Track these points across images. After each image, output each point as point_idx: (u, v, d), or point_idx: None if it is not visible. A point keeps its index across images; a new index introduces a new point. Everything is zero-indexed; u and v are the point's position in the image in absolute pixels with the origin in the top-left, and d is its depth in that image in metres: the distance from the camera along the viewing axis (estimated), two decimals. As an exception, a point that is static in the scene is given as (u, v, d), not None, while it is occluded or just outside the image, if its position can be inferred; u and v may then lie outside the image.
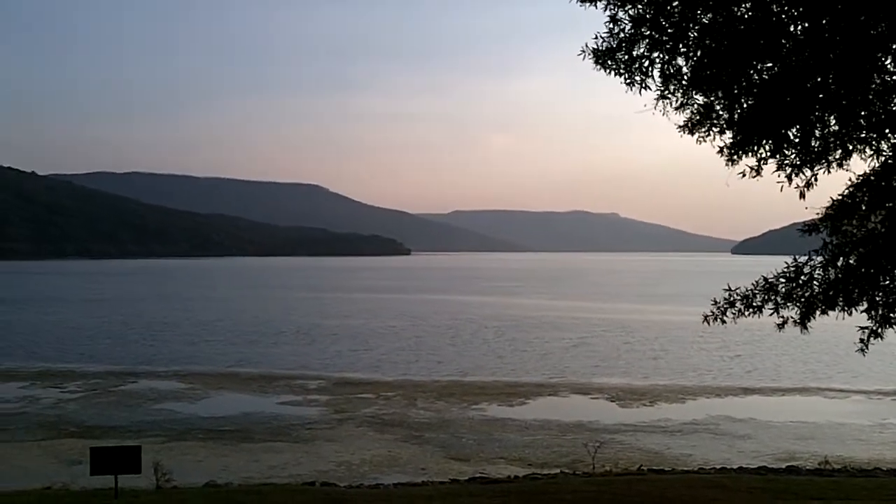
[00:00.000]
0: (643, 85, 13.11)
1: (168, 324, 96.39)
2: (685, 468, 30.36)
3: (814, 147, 12.83)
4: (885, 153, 12.56)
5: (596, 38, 13.01)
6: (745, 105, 12.86)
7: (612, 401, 47.99)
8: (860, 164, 12.90)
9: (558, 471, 30.06)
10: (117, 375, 57.32)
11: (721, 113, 13.22)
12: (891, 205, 12.81)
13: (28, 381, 54.83)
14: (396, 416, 42.77)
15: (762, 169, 13.05)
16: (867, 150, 12.68)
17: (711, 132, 13.44)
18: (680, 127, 13.57)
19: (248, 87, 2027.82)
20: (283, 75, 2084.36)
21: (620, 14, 12.84)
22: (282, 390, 51.22)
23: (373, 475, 30.43)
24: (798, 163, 12.91)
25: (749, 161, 13.10)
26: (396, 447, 35.57)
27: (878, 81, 12.08)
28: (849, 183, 13.12)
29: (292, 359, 66.52)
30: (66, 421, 41.70)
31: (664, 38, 12.73)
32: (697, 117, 13.41)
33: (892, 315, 13.29)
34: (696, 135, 13.51)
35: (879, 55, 11.87)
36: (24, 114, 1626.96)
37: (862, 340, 13.59)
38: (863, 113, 12.31)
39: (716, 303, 14.36)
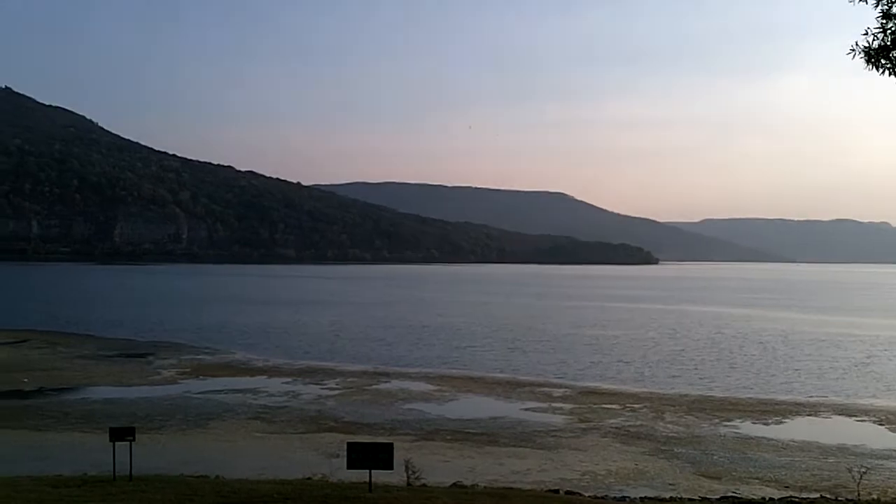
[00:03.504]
0: (920, 84, 11.95)
1: (424, 327, 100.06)
2: (968, 503, 27.37)
3: None
4: None
5: (866, 34, 12.06)
6: None
7: (880, 424, 44.31)
8: None
9: (818, 495, 28.18)
10: (371, 375, 60.21)
11: None
12: None
13: (292, 377, 58.84)
14: (643, 428, 41.80)
15: None
16: None
17: None
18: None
19: (494, 96, 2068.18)
20: (529, 83, 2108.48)
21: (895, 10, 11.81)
22: (527, 396, 51.57)
23: (618, 487, 29.87)
24: None
25: None
26: (643, 460, 34.72)
27: None
28: None
29: (540, 366, 66.80)
30: (325, 416, 44.25)
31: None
32: None
33: None
34: None
35: None
36: (290, 127, 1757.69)
37: None
38: None
39: None
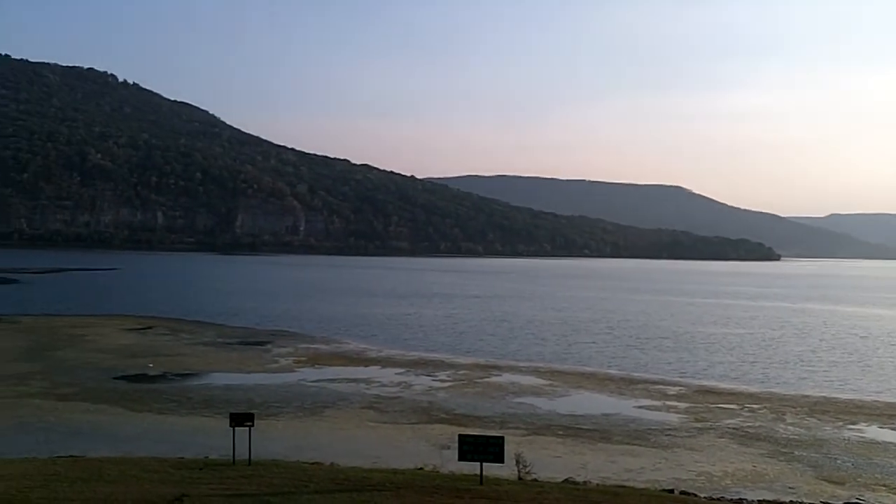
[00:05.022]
0: None
1: (537, 322, 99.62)
2: None
3: None
4: None
5: None
6: None
7: None
8: None
9: (953, 506, 26.76)
10: (483, 367, 60.32)
11: None
12: None
13: (404, 368, 59.53)
14: (762, 429, 40.54)
15: None
16: None
17: None
18: None
19: (610, 88, 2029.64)
20: (646, 75, 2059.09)
21: None
22: (640, 394, 50.73)
23: (735, 489, 29.06)
24: None
25: None
26: (762, 462, 33.67)
27: None
28: None
29: (656, 364, 65.64)
30: (437, 407, 44.58)
31: None
32: None
33: None
34: None
35: None
36: (404, 121, 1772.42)
37: None
38: None
39: None
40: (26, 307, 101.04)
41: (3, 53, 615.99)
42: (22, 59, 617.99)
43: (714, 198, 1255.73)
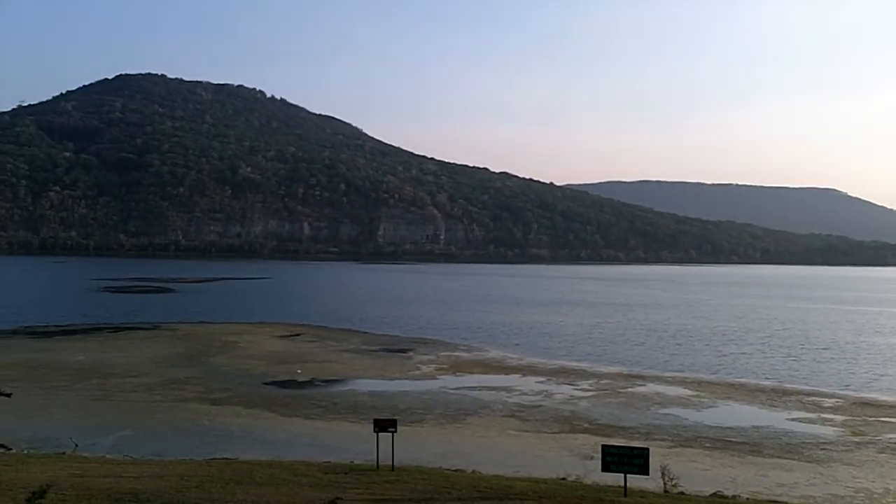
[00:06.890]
0: None
1: (686, 331, 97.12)
2: None
3: None
4: None
5: None
6: None
7: None
8: None
9: None
10: (626, 377, 59.26)
11: None
12: None
13: (545, 376, 59.14)
14: (927, 445, 38.15)
15: None
16: None
17: None
18: None
19: (756, 89, 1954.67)
20: (793, 74, 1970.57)
21: None
22: (793, 406, 48.67)
23: (898, 508, 27.48)
24: None
25: None
26: (927, 480, 31.68)
27: None
28: None
29: (812, 375, 62.75)
30: (579, 417, 44.09)
31: None
32: None
33: None
34: None
35: None
36: (544, 127, 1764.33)
37: None
38: None
39: None
40: (183, 315, 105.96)
41: (159, 73, 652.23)
42: (177, 79, 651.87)
43: (872, 200, 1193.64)
